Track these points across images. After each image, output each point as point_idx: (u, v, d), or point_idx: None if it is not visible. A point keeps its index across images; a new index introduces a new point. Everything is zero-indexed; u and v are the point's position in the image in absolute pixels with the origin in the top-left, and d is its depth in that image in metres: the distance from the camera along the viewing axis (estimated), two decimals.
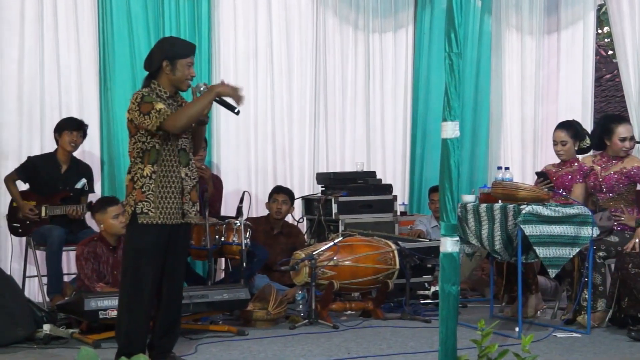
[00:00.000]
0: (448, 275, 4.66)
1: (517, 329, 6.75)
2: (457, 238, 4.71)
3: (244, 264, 7.53)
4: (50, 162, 8.00)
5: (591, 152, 7.79)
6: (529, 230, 6.60)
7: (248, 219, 8.00)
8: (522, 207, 6.66)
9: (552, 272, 6.76)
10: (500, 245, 6.84)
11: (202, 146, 6.01)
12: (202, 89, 5.64)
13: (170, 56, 5.56)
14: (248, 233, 7.67)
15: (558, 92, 10.91)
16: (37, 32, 8.60)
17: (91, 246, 7.04)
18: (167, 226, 5.49)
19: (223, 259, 8.49)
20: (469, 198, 7.32)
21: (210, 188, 8.14)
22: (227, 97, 5.68)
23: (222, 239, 7.63)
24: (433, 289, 8.05)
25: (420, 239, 8.55)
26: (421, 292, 8.17)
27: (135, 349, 5.36)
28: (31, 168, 7.98)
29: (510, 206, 6.75)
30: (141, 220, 5.45)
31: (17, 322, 6.36)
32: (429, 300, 8.03)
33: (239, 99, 5.62)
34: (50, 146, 8.23)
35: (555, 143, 7.68)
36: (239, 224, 7.60)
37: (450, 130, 4.64)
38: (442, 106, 4.74)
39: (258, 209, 9.23)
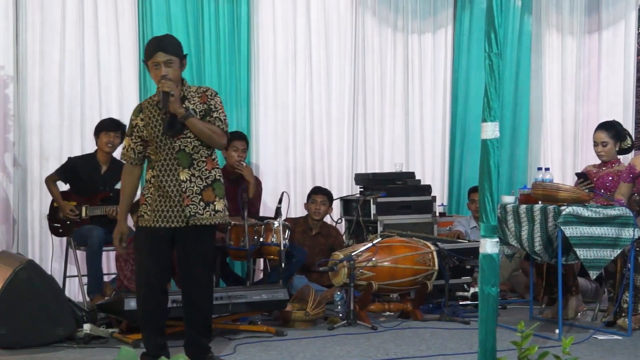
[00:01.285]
0: (488, 276, 4.64)
1: (557, 331, 6.70)
2: (497, 239, 4.69)
3: (283, 265, 7.52)
4: (90, 162, 8.05)
5: (632, 153, 7.72)
6: (570, 231, 6.55)
7: (287, 219, 8.01)
8: (562, 208, 6.61)
9: (593, 274, 6.70)
10: (540, 246, 6.80)
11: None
12: (160, 83, 5.33)
13: (145, 61, 5.52)
14: (287, 234, 7.68)
15: (599, 92, 10.85)
16: (77, 34, 8.67)
17: (130, 247, 7.06)
18: (166, 229, 5.43)
19: (262, 260, 8.51)
20: (509, 199, 7.28)
21: (252, 188, 8.16)
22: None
23: (261, 240, 7.64)
24: (472, 290, 8.03)
25: (459, 240, 8.52)
26: (460, 294, 8.14)
27: (146, 345, 5.54)
28: (71, 169, 8.04)
29: (551, 207, 6.71)
30: (140, 223, 5.52)
31: (58, 321, 6.40)
32: (468, 302, 8.00)
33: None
34: (90, 147, 8.29)
35: (595, 144, 7.63)
36: (277, 225, 7.61)
37: (490, 131, 4.62)
38: (481, 107, 4.72)
39: (297, 209, 9.24)
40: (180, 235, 5.46)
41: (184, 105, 5.41)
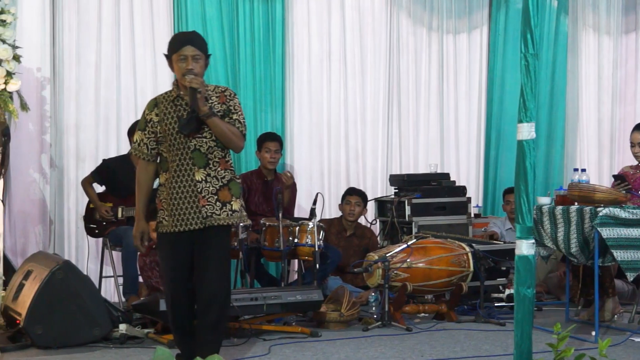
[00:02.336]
0: (523, 278, 4.62)
1: (593, 333, 6.66)
2: (533, 240, 4.67)
3: (317, 266, 7.53)
4: (125, 164, 8.07)
5: None
6: (606, 232, 6.50)
7: (321, 220, 8.01)
8: (599, 209, 6.57)
9: (630, 276, 6.65)
10: (577, 248, 6.76)
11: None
12: (189, 78, 5.21)
13: (169, 54, 5.40)
14: (321, 234, 7.69)
15: (636, 92, 10.78)
16: (113, 36, 8.72)
17: (152, 254, 7.09)
18: (187, 233, 5.32)
19: (296, 261, 8.50)
20: (545, 200, 7.25)
21: (287, 195, 8.17)
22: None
23: (296, 241, 7.65)
24: (507, 291, 7.99)
25: (495, 242, 8.48)
26: (495, 295, 8.11)
27: (179, 347, 5.49)
28: (107, 170, 8.08)
29: (587, 208, 6.66)
30: (159, 230, 5.40)
31: (94, 321, 6.44)
32: (503, 303, 7.97)
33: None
34: (125, 148, 8.33)
35: (632, 145, 7.57)
36: (312, 226, 7.61)
37: (526, 131, 4.61)
38: (516, 107, 4.71)
39: (331, 210, 9.24)
40: (198, 237, 5.35)
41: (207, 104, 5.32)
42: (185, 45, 5.29)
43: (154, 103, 5.43)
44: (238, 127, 5.36)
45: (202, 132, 5.28)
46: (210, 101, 5.34)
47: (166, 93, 5.46)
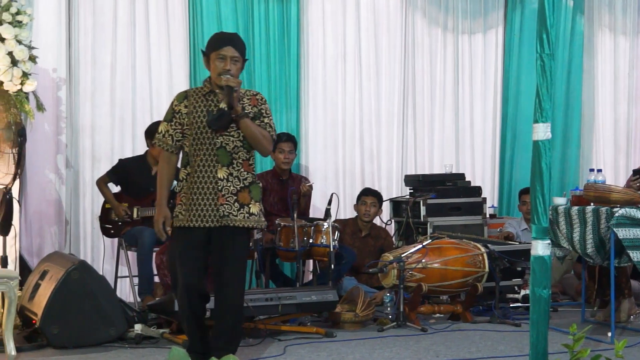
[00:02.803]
0: (539, 278, 4.61)
1: (609, 334, 6.64)
2: (549, 241, 4.66)
3: (332, 266, 7.53)
4: (141, 164, 8.09)
5: None
6: (622, 233, 6.48)
7: (336, 220, 8.01)
8: (615, 209, 6.54)
9: None
10: (592, 248, 6.74)
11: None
12: (225, 77, 5.24)
13: (207, 51, 5.39)
14: (336, 235, 7.69)
15: None
16: (129, 37, 8.74)
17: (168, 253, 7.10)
18: (202, 229, 5.31)
19: (311, 261, 8.51)
20: (561, 200, 7.23)
21: (303, 202, 8.17)
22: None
23: (311, 241, 7.65)
24: (523, 292, 7.97)
25: (510, 242, 8.46)
26: (511, 296, 8.10)
27: (191, 346, 5.43)
28: (122, 171, 8.09)
29: (603, 209, 6.64)
30: (174, 224, 5.39)
31: (109, 321, 6.45)
32: (519, 304, 7.95)
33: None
34: (141, 148, 8.35)
35: None
36: (327, 226, 7.62)
37: (542, 132, 4.60)
38: (532, 108, 4.70)
39: (346, 211, 9.24)
40: (215, 236, 5.34)
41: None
42: (226, 45, 5.31)
43: (184, 95, 5.43)
44: (269, 130, 5.38)
45: (229, 131, 5.29)
46: (242, 103, 5.34)
47: (198, 88, 5.47)
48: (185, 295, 5.37)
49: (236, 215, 5.31)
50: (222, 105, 5.30)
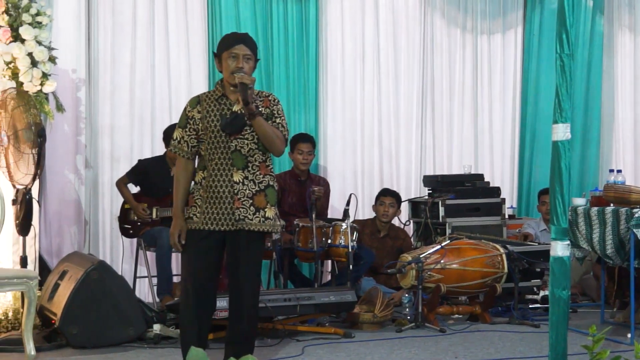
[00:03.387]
0: (558, 279, 4.59)
1: (629, 335, 6.61)
2: (568, 242, 4.64)
3: (351, 267, 7.54)
4: (160, 165, 8.11)
5: None
6: None
7: (355, 221, 8.01)
8: (634, 210, 6.52)
9: None
10: (612, 249, 6.71)
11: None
12: (239, 75, 5.17)
13: (218, 52, 5.35)
14: (355, 235, 7.69)
15: None
16: (148, 37, 8.76)
17: None
18: (216, 232, 5.26)
19: (330, 261, 8.51)
20: (580, 201, 7.21)
21: (321, 203, 8.16)
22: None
23: (329, 241, 7.66)
24: (542, 293, 7.95)
25: (529, 243, 8.44)
26: (530, 296, 8.07)
27: (184, 346, 5.36)
28: (142, 171, 8.11)
29: (623, 210, 6.62)
30: (188, 226, 5.33)
31: (128, 321, 6.47)
32: (538, 305, 7.92)
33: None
34: (160, 149, 8.37)
35: None
36: (345, 227, 7.62)
37: (561, 132, 4.58)
38: (551, 108, 4.68)
39: (364, 211, 9.24)
40: (230, 239, 5.31)
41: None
42: (238, 44, 5.27)
43: (197, 100, 5.40)
44: (281, 130, 5.33)
45: (243, 134, 5.25)
46: (255, 104, 5.29)
47: (210, 92, 5.44)
48: (194, 298, 5.32)
49: (252, 219, 5.27)
50: (235, 108, 5.28)
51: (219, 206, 5.26)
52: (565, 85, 4.59)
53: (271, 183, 5.36)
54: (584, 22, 10.41)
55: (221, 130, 5.23)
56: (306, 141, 8.43)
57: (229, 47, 5.28)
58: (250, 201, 5.27)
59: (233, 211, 5.24)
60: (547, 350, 4.63)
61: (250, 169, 5.28)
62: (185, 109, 5.41)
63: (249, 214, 5.26)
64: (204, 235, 5.29)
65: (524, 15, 10.37)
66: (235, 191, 5.25)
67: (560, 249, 4.60)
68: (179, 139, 5.37)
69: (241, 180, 5.26)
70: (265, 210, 5.30)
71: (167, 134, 7.99)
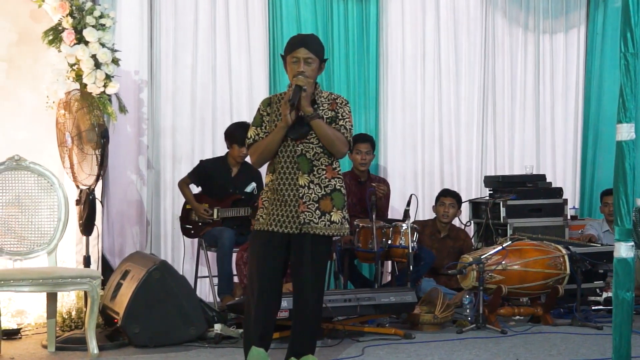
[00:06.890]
0: (622, 281, 4.54)
1: None
2: (632, 243, 4.58)
3: (411, 267, 7.52)
4: (221, 165, 8.15)
5: None
6: None
7: (415, 222, 7.99)
8: None
9: None
10: None
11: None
12: (296, 78, 5.21)
13: (284, 55, 5.37)
14: (415, 236, 7.67)
15: None
16: (209, 38, 8.82)
17: None
18: (281, 234, 5.27)
19: (390, 262, 8.50)
20: None
21: (381, 204, 8.15)
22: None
23: (389, 242, 7.64)
24: (605, 295, 7.86)
25: (592, 244, 8.35)
26: (592, 298, 7.98)
27: (246, 345, 5.37)
28: (203, 172, 8.16)
29: None
30: (255, 227, 5.38)
31: (190, 321, 6.51)
32: (601, 307, 7.83)
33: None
34: (221, 149, 8.41)
35: None
36: (406, 227, 7.59)
37: (626, 132, 4.54)
38: (615, 108, 4.64)
39: (425, 212, 9.21)
40: (295, 242, 5.31)
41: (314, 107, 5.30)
42: (299, 48, 5.28)
43: (268, 102, 5.44)
44: (343, 132, 5.30)
45: (309, 138, 5.26)
46: (322, 108, 5.31)
47: (281, 93, 5.44)
48: (258, 298, 5.33)
49: (317, 223, 5.27)
50: (301, 113, 5.29)
51: (284, 209, 5.28)
52: (629, 85, 4.55)
53: (338, 187, 5.34)
54: None
55: (287, 135, 5.26)
56: (364, 141, 8.42)
57: (291, 50, 5.30)
58: (316, 205, 5.27)
59: (298, 215, 5.25)
60: (611, 352, 4.58)
61: (316, 172, 5.29)
62: (259, 108, 5.45)
63: (314, 218, 5.26)
64: (268, 236, 5.31)
65: (587, 13, 10.27)
66: (301, 195, 5.26)
67: (624, 250, 4.55)
68: (253, 137, 5.40)
69: (306, 184, 5.27)
70: (332, 214, 5.30)
71: (229, 134, 8.03)
